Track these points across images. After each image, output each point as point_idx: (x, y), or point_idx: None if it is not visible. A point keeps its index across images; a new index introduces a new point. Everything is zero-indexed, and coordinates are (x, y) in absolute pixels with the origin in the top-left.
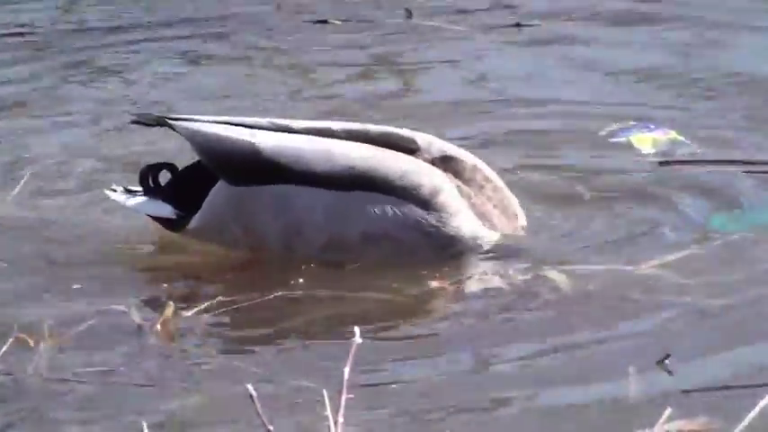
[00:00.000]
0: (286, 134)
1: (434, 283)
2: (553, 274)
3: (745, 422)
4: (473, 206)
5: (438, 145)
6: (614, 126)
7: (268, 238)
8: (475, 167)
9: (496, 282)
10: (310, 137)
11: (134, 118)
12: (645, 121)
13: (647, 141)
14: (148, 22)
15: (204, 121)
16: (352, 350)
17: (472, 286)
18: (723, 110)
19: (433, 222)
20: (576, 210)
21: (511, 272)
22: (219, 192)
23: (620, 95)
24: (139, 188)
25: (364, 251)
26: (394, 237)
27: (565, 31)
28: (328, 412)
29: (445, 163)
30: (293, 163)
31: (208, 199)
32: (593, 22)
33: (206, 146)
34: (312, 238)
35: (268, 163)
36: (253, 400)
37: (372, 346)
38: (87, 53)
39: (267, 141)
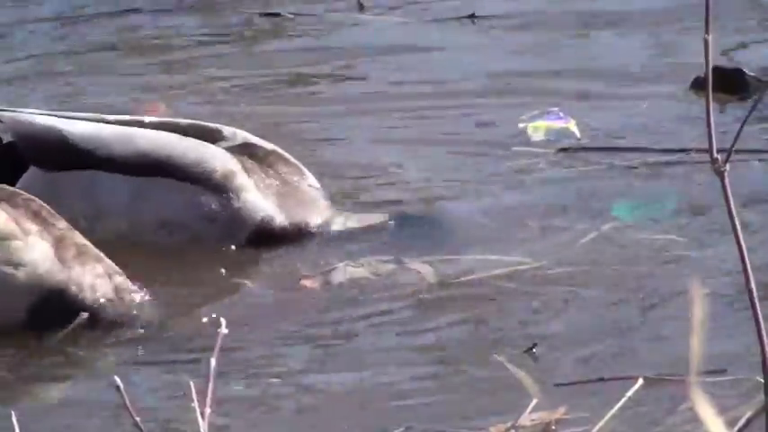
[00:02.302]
0: (95, 123)
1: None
2: (416, 265)
3: (611, 413)
4: (266, 188)
5: (241, 135)
6: (534, 112)
7: (72, 223)
8: (274, 152)
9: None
10: (117, 126)
11: None
12: (557, 110)
13: (540, 129)
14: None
15: (30, 113)
16: (218, 340)
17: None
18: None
19: (224, 206)
20: None
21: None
22: (30, 177)
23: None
24: None
25: (162, 237)
26: (188, 223)
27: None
28: (195, 403)
29: (244, 149)
30: (96, 149)
31: (19, 184)
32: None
33: (20, 131)
34: (113, 224)
35: (74, 149)
36: (120, 392)
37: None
38: None
39: (74, 128)
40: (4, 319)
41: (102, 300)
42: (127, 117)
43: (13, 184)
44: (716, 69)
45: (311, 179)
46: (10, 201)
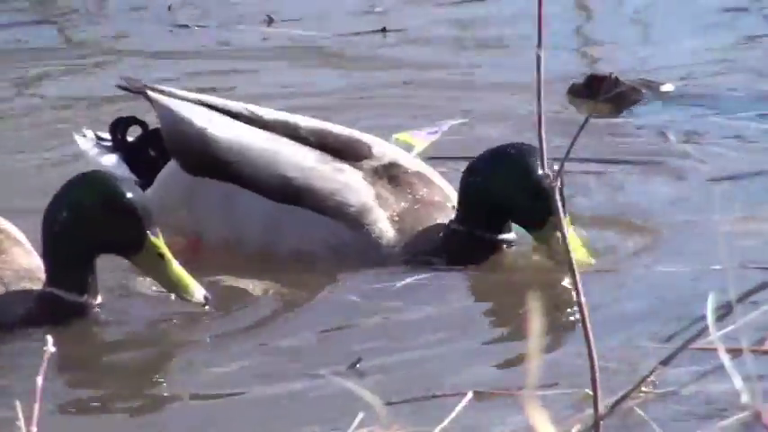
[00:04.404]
0: (242, 127)
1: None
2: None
3: (440, 426)
4: (398, 216)
5: (390, 154)
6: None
7: (209, 235)
8: (418, 174)
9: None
10: (266, 135)
11: (121, 82)
12: (438, 125)
13: (401, 141)
14: None
15: (182, 98)
16: (45, 360)
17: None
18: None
19: (356, 240)
20: None
21: None
22: (171, 173)
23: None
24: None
25: (290, 265)
26: (319, 253)
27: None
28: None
29: (387, 170)
30: (239, 162)
31: (160, 176)
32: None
33: (167, 124)
34: (247, 245)
35: (217, 156)
36: None
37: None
38: None
39: (220, 134)
40: None
41: None
42: (282, 117)
43: (152, 171)
44: (592, 76)
45: (450, 193)
46: None
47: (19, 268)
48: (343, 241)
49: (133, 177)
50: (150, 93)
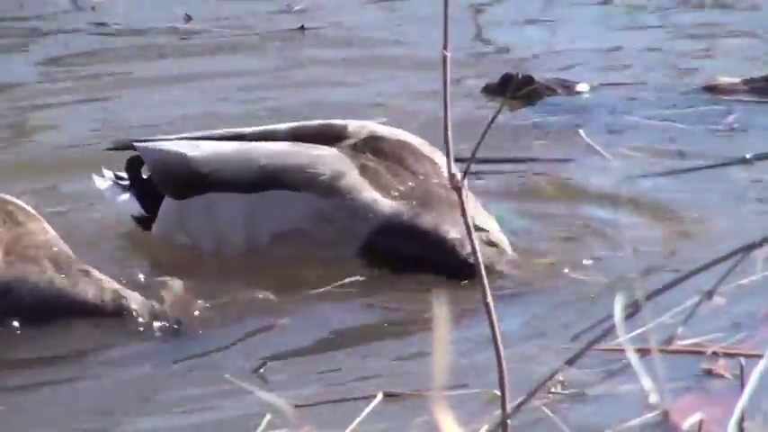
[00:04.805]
0: (216, 142)
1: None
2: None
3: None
4: (377, 176)
5: (369, 128)
6: None
7: (202, 247)
8: (402, 144)
9: None
10: (240, 143)
11: (110, 145)
12: None
13: None
14: None
15: (165, 140)
16: None
17: None
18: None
19: (336, 207)
20: None
21: None
22: (165, 206)
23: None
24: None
25: (277, 251)
26: (300, 230)
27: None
28: None
29: (368, 143)
30: (216, 171)
31: (159, 211)
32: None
33: (151, 162)
34: (235, 243)
35: (196, 173)
36: None
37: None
38: None
39: (197, 152)
40: None
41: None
42: (261, 128)
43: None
44: (507, 76)
45: (439, 164)
46: None
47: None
48: (320, 212)
49: (141, 213)
50: (137, 144)
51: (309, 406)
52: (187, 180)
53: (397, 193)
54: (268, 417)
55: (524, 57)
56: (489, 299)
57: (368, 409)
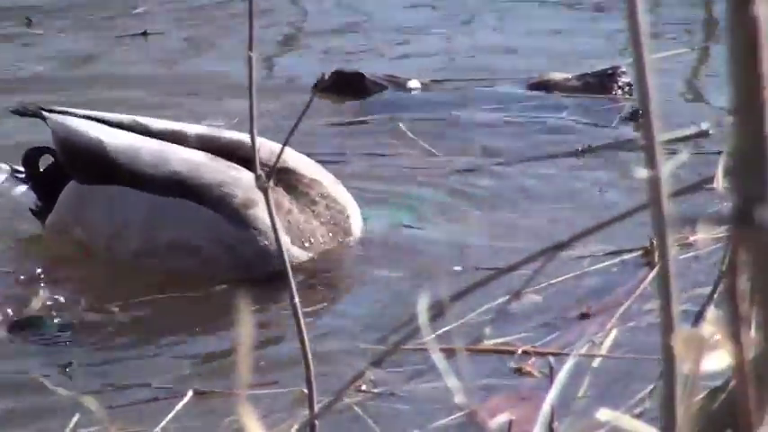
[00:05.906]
0: (133, 135)
1: None
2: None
3: (159, 427)
4: (290, 223)
5: (282, 156)
6: None
7: (94, 239)
8: (313, 181)
9: None
10: (158, 141)
11: (15, 107)
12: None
13: None
14: None
15: (77, 116)
16: None
17: None
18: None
19: (239, 237)
20: None
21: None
22: (69, 190)
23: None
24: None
25: (170, 260)
26: (196, 247)
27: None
28: None
29: (280, 175)
30: (129, 164)
31: (60, 197)
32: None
33: (60, 137)
34: (128, 242)
35: (110, 163)
36: None
37: None
38: None
39: (112, 140)
40: None
41: None
42: (169, 126)
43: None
44: (338, 73)
45: (350, 207)
46: None
47: None
48: (224, 235)
49: (37, 205)
50: (45, 113)
51: (119, 407)
52: (99, 167)
53: (308, 245)
54: (77, 416)
55: (352, 52)
56: (296, 299)
57: (177, 407)
